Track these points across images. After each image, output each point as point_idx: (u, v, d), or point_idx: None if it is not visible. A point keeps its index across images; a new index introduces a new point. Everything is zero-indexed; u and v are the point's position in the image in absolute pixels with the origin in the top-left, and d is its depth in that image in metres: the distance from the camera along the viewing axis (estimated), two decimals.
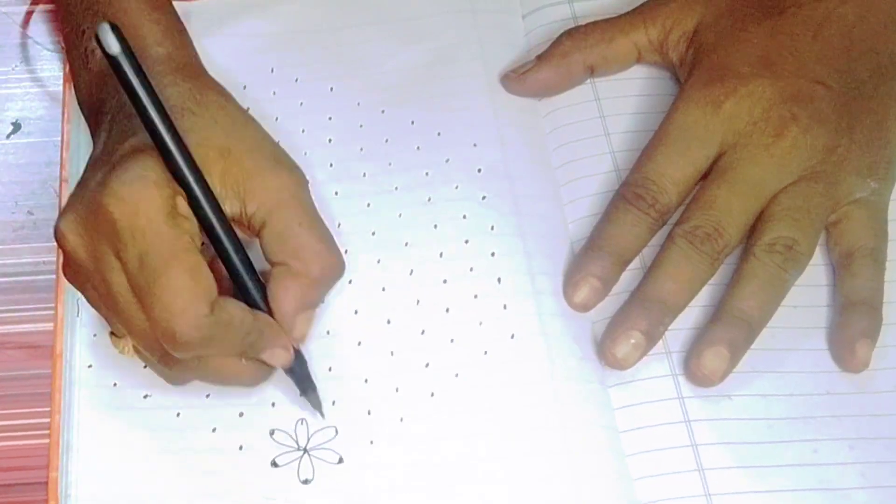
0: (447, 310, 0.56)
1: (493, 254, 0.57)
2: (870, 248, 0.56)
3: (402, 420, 0.53)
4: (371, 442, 0.53)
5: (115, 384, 0.54)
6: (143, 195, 0.47)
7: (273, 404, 0.54)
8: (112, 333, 0.52)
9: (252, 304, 0.50)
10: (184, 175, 0.48)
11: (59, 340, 0.55)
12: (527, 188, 0.59)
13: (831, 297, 0.56)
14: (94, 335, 0.55)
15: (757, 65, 0.57)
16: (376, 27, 0.65)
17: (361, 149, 0.61)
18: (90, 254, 0.49)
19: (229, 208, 0.50)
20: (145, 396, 0.54)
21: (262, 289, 0.50)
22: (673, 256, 0.55)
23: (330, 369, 0.54)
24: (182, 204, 0.48)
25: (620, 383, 0.54)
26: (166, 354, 0.49)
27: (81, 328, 0.56)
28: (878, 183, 0.57)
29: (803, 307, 0.56)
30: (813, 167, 0.56)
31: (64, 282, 0.56)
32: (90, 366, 0.55)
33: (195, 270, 0.47)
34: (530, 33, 0.65)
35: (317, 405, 0.53)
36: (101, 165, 0.50)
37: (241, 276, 0.50)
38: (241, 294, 0.50)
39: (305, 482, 0.52)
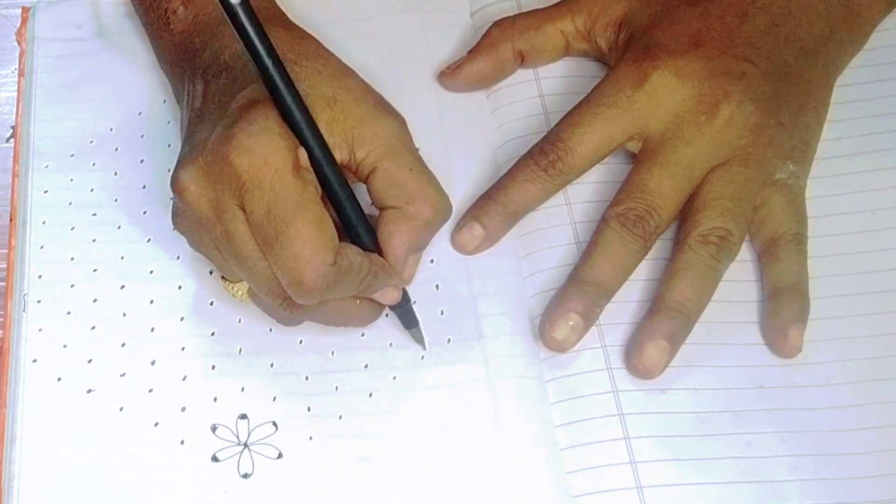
0: (386, 315, 0.56)
1: (431, 261, 0.58)
2: (793, 233, 0.57)
3: (340, 417, 0.54)
4: (310, 438, 0.54)
5: (59, 378, 0.55)
6: (270, 147, 0.49)
7: (215, 399, 0.54)
8: (224, 278, 0.54)
9: (363, 247, 0.52)
10: (298, 124, 0.50)
11: (7, 336, 0.56)
12: (468, 193, 0.60)
13: (763, 293, 0.57)
14: (40, 330, 0.56)
15: (687, 43, 0.58)
16: (324, 27, 0.65)
17: None
18: (212, 204, 0.50)
19: (338, 156, 0.51)
20: (89, 391, 0.55)
21: (372, 232, 0.52)
22: (607, 239, 0.56)
23: (272, 365, 0.55)
24: (303, 155, 0.50)
25: (557, 378, 0.55)
26: (288, 299, 0.51)
27: (28, 323, 0.56)
28: (797, 166, 0.58)
29: (736, 302, 0.57)
30: (744, 147, 0.57)
31: (14, 279, 0.57)
32: (35, 360, 0.55)
33: (321, 220, 0.49)
34: (478, 31, 0.65)
35: (419, 339, 0.56)
36: (214, 119, 0.51)
37: (352, 221, 0.52)
38: (352, 238, 0.52)
39: (245, 476, 0.53)
